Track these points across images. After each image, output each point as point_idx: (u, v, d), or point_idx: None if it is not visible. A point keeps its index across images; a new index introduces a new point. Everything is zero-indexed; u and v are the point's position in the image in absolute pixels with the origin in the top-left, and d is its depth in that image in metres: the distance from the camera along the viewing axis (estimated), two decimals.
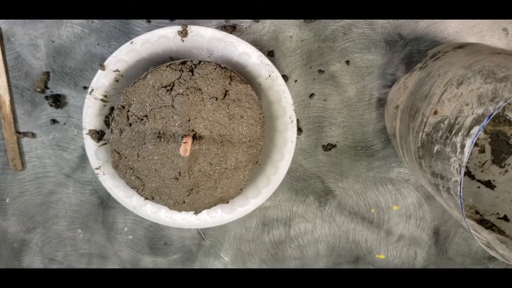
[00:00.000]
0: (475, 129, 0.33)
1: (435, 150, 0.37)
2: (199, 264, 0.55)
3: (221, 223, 0.47)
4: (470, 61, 0.39)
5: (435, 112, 0.38)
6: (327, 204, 0.55)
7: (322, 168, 0.54)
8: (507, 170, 0.52)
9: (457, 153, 0.34)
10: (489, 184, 0.52)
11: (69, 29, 0.48)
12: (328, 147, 0.53)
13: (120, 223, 0.54)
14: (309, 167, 0.54)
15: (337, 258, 0.56)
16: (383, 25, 0.50)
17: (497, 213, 0.48)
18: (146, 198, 0.45)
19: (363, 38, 0.51)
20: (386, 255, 0.56)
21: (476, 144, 0.53)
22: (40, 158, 0.52)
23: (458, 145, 0.34)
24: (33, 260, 0.54)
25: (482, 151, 0.53)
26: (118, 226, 0.54)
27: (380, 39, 0.51)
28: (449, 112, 0.37)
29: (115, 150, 0.43)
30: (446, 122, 0.37)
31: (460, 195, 0.33)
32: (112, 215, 0.53)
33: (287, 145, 0.46)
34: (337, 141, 0.53)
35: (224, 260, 0.55)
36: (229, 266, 0.56)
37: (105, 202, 0.53)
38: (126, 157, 0.43)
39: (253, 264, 0.55)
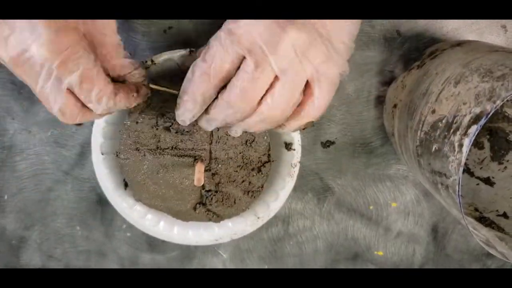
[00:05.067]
0: (473, 128, 0.33)
1: (433, 149, 0.37)
2: (197, 261, 0.55)
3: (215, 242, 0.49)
4: (468, 59, 0.39)
5: (433, 111, 0.38)
6: (326, 201, 0.55)
7: (320, 165, 0.54)
8: (506, 167, 0.52)
9: (456, 152, 0.34)
10: (488, 181, 0.52)
11: None
12: (327, 144, 0.53)
13: (118, 220, 0.54)
14: (307, 164, 0.54)
15: (336, 255, 0.56)
16: (382, 22, 0.50)
17: (497, 210, 0.48)
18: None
19: (362, 35, 0.51)
20: (385, 251, 0.56)
21: (475, 141, 0.53)
22: (38, 155, 0.52)
23: (456, 144, 0.34)
24: (32, 257, 0.54)
25: (481, 147, 0.53)
26: (117, 223, 0.54)
27: (379, 36, 0.51)
28: (447, 111, 0.37)
29: (125, 131, 0.43)
30: (444, 121, 0.37)
31: (458, 193, 0.33)
32: (110, 212, 0.53)
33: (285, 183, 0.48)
34: (336, 138, 0.53)
35: (222, 257, 0.55)
36: (228, 263, 0.56)
37: (104, 199, 0.53)
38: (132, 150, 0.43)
39: (252, 261, 0.56)
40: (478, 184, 0.52)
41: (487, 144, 0.52)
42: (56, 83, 0.32)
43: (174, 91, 0.38)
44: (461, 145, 0.34)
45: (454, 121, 0.35)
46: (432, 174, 0.39)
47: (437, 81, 0.40)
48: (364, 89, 0.52)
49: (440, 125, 0.37)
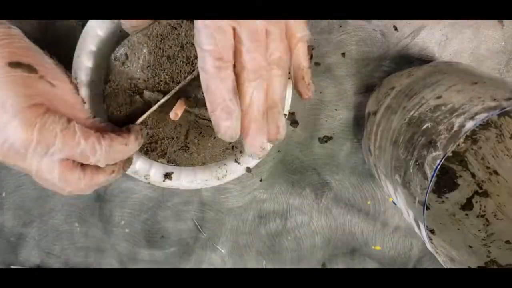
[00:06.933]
0: (482, 115, 0.33)
1: (424, 126, 0.37)
2: (196, 256, 0.55)
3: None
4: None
5: (439, 97, 0.38)
6: (324, 196, 0.55)
7: (318, 161, 0.54)
8: (443, 201, 0.52)
9: (452, 131, 0.34)
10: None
11: (63, 21, 0.48)
12: (324, 140, 0.53)
13: (117, 217, 0.54)
14: (305, 160, 0.54)
15: (334, 250, 0.56)
16: None
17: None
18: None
19: (359, 30, 0.51)
20: (382, 246, 0.57)
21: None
22: None
23: (456, 125, 0.34)
24: (30, 254, 0.54)
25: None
26: (115, 220, 0.54)
27: (376, 31, 0.51)
28: (456, 100, 0.37)
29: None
30: (449, 106, 0.37)
31: (438, 165, 0.34)
32: (108, 208, 0.54)
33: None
34: (333, 134, 0.53)
35: (221, 253, 0.56)
36: (226, 259, 0.56)
37: (102, 195, 0.53)
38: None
39: (250, 256, 0.56)
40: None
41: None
42: (47, 159, 0.32)
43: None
44: (461, 126, 0.33)
45: (461, 108, 0.35)
46: (406, 152, 0.39)
47: (451, 78, 0.40)
48: (362, 85, 0.52)
49: (443, 108, 0.37)
